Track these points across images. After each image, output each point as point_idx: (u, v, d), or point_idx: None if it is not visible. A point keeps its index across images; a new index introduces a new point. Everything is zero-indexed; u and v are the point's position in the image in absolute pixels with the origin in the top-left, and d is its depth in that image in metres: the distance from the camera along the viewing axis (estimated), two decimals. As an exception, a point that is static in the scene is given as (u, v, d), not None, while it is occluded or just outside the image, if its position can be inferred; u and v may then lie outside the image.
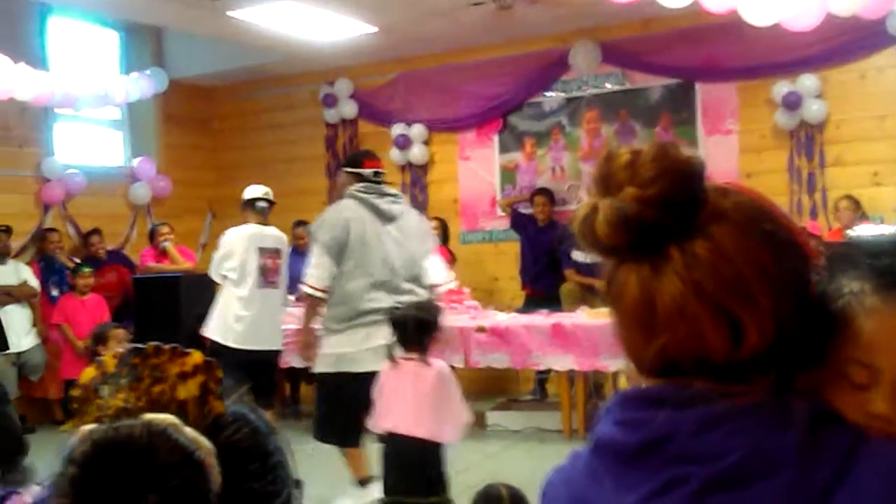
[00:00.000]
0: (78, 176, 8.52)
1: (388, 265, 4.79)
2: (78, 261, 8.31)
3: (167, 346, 0.77)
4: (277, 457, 0.81)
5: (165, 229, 8.29)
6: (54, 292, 8.18)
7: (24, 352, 7.81)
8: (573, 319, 6.55)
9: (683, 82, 8.18)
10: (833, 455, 0.88)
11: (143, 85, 8.70)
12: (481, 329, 6.65)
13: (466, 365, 6.81)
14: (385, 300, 4.71)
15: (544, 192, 8.19)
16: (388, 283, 4.78)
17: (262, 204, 6.17)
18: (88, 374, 0.79)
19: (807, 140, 7.79)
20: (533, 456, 6.24)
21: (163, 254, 8.19)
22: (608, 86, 8.48)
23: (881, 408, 0.93)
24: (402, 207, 4.97)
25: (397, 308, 4.45)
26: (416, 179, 9.35)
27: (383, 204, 4.85)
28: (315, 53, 8.65)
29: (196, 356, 0.78)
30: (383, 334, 4.35)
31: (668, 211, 0.92)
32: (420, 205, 9.28)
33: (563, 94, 8.68)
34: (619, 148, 0.97)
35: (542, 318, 6.71)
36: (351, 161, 5.12)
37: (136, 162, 9.21)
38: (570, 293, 7.59)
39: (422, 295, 4.84)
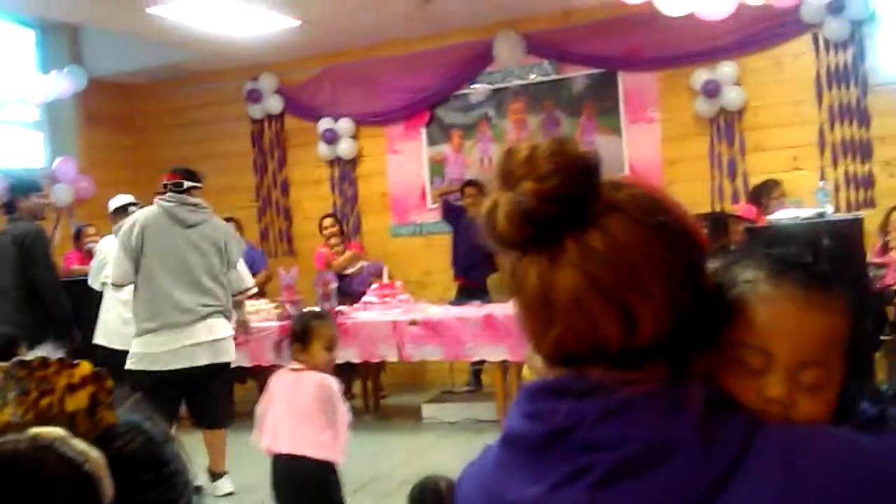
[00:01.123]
0: (-3, 178, 8.29)
1: (186, 266, 5.28)
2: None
3: (54, 358, 0.77)
4: (174, 465, 0.80)
5: (91, 230, 8.10)
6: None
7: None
8: (505, 310, 6.59)
9: (606, 72, 8.29)
10: (730, 440, 0.91)
11: (61, 84, 8.49)
12: (413, 323, 6.67)
13: (400, 359, 6.84)
14: (187, 300, 5.23)
15: (474, 183, 8.22)
16: (190, 284, 5.27)
17: (133, 209, 6.30)
18: None
19: (726, 126, 7.96)
20: (469, 447, 6.21)
21: (88, 256, 8.00)
22: (533, 76, 8.55)
23: (776, 391, 0.98)
24: (202, 216, 5.45)
25: (204, 306, 5.16)
26: (345, 174, 9.31)
27: (182, 212, 5.35)
28: (238, 49, 8.54)
29: (84, 367, 0.77)
30: (188, 335, 5.15)
31: (563, 204, 0.94)
32: (350, 199, 9.27)
33: (488, 86, 8.72)
34: (520, 144, 0.99)
35: (473, 310, 6.76)
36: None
37: (56, 163, 8.98)
38: (496, 283, 7.64)
39: (221, 296, 5.40)
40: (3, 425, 0.73)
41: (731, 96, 7.80)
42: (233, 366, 5.93)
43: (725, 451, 0.90)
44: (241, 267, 5.77)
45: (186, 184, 5.48)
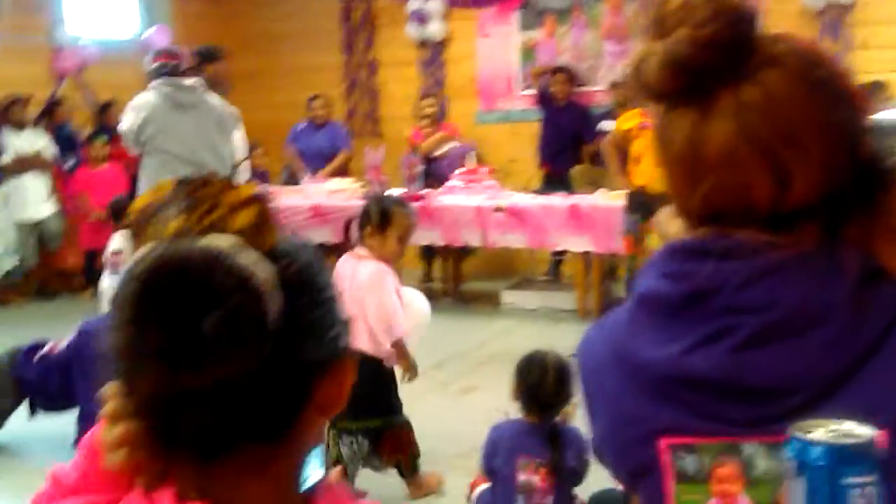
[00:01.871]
0: (92, 45, 8.40)
1: (185, 145, 5.38)
2: (89, 132, 8.28)
3: (219, 180, 0.78)
4: (331, 291, 0.82)
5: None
6: (70, 162, 8.18)
7: (42, 220, 7.88)
8: (590, 201, 6.54)
9: (711, -41, 7.93)
10: (884, 308, 0.89)
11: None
12: (499, 209, 6.65)
13: (484, 245, 6.86)
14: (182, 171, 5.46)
15: (564, 70, 8.06)
16: (186, 159, 5.32)
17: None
18: (144, 199, 0.80)
19: (834, 21, 7.60)
20: (547, 334, 6.31)
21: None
22: (633, -38, 8.24)
23: None
24: (197, 97, 5.50)
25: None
26: (434, 57, 9.19)
27: (180, 96, 5.43)
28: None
29: (248, 188, 0.78)
30: None
31: (720, 53, 0.91)
32: (437, 83, 9.17)
33: (585, -30, 8.44)
34: None
35: (559, 200, 6.71)
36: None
37: (148, 33, 9.04)
38: (581, 174, 7.56)
39: (221, 169, 5.36)
40: (176, 232, 0.74)
41: (843, -11, 7.43)
42: (317, 243, 5.96)
43: (876, 322, 0.88)
44: (236, 138, 5.89)
45: (183, 65, 5.65)
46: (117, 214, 5.68)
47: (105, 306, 5.43)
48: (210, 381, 0.71)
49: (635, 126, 5.56)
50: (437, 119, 8.12)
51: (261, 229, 0.76)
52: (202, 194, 0.76)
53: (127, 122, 5.42)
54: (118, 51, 8.73)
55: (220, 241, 0.72)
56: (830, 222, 0.92)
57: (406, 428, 3.60)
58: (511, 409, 2.91)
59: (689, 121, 0.93)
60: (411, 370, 3.60)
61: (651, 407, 0.94)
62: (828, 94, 0.92)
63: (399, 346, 3.54)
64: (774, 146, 0.90)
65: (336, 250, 8.06)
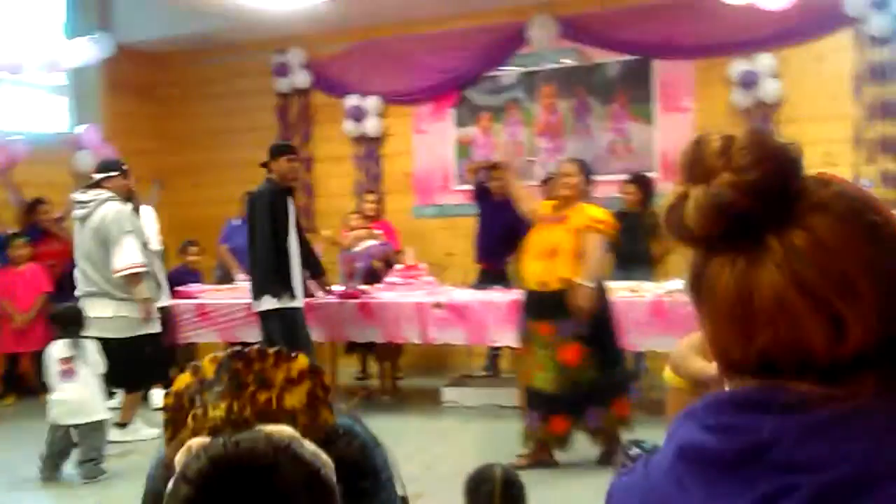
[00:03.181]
0: (20, 142, 8.23)
1: (81, 256, 6.11)
2: (12, 231, 8.04)
3: (271, 350, 0.69)
4: (388, 472, 0.73)
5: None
6: (-6, 264, 7.92)
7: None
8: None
9: (641, 59, 8.16)
10: None
11: (89, 50, 8.41)
12: (439, 305, 6.59)
13: (424, 341, 6.76)
14: (80, 284, 6.15)
15: (499, 166, 8.12)
16: (79, 273, 6.15)
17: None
18: (183, 379, 0.69)
19: (762, 119, 7.83)
20: (491, 433, 6.21)
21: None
22: (565, 61, 8.43)
23: None
24: (86, 211, 6.04)
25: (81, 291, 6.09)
26: (370, 152, 9.22)
27: (76, 209, 6.13)
28: (267, 20, 8.45)
29: (302, 360, 0.69)
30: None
31: (765, 199, 0.88)
32: (374, 178, 9.18)
33: (519, 69, 8.61)
34: (710, 134, 0.93)
35: (499, 295, 6.67)
36: None
37: (80, 129, 8.91)
38: (518, 270, 7.55)
39: (98, 279, 6.03)
40: (221, 421, 0.64)
41: (768, 88, 7.68)
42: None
43: None
44: (124, 246, 5.98)
45: (96, 176, 6.19)
46: (62, 321, 5.49)
47: (54, 416, 5.24)
48: None
49: (540, 216, 5.29)
50: (376, 216, 8.13)
51: (315, 408, 0.67)
52: (251, 371, 0.67)
53: None
54: (47, 147, 8.57)
55: (281, 430, 0.63)
56: (890, 371, 0.87)
57: None
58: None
59: (736, 268, 0.89)
60: None
61: None
62: (879, 239, 0.89)
63: None
64: (828, 294, 0.86)
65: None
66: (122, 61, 9.12)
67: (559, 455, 5.27)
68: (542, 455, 5.21)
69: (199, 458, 0.61)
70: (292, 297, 6.21)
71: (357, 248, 7.73)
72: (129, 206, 6.18)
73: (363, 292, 6.95)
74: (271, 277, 6.17)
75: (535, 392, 5.18)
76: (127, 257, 5.94)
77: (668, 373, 1.32)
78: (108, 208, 5.97)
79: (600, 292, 5.20)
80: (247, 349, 0.69)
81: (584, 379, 5.06)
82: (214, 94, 9.71)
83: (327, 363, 7.21)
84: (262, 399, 0.66)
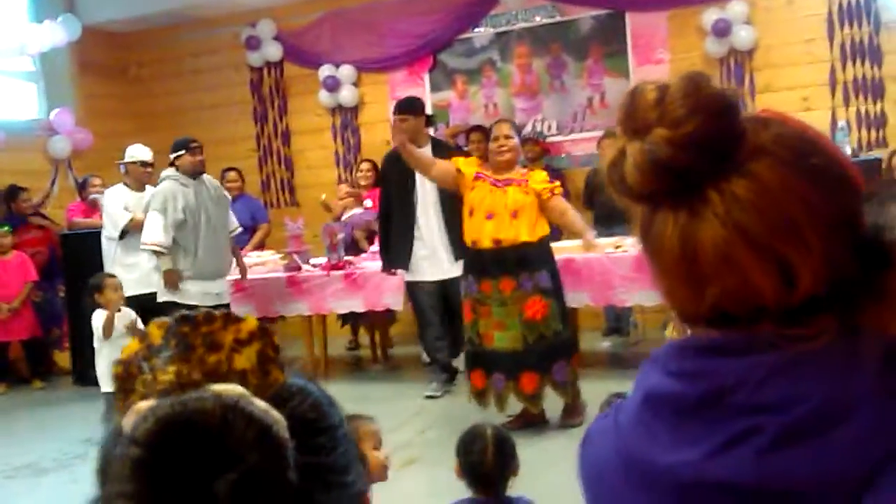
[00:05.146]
0: (-7, 131, 8.15)
1: None
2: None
3: (218, 313, 0.69)
4: (342, 430, 0.73)
5: (97, 181, 7.94)
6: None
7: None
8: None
9: (613, 13, 8.12)
10: None
11: (55, 33, 8.31)
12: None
13: (406, 308, 6.78)
14: None
15: (479, 129, 8.09)
16: None
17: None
18: (131, 347, 0.69)
19: (736, 67, 7.82)
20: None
21: (93, 207, 7.88)
22: (538, 19, 8.38)
23: None
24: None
25: None
26: (347, 122, 9.17)
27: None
28: (236, -6, 8.35)
29: (251, 322, 0.69)
30: None
31: (703, 151, 0.84)
32: (352, 147, 9.14)
33: (492, 30, 8.55)
34: (645, 83, 0.89)
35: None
36: None
37: (53, 114, 8.83)
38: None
39: None
40: (169, 384, 0.64)
41: (742, 35, 7.66)
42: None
43: None
44: (148, 222, 6.19)
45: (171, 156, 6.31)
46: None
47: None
48: None
49: (471, 175, 5.24)
50: (373, 185, 8.14)
51: (265, 368, 0.67)
52: (199, 334, 0.67)
53: None
54: (20, 134, 8.49)
55: (230, 390, 0.63)
56: (845, 310, 0.86)
57: None
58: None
59: (678, 223, 0.87)
60: None
61: None
62: (823, 181, 0.86)
63: None
64: (773, 242, 0.84)
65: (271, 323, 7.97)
66: (91, 43, 9.02)
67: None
68: (530, 416, 5.22)
69: (146, 419, 0.61)
70: None
71: (346, 216, 7.72)
72: (172, 184, 6.21)
73: (349, 262, 6.94)
74: None
75: (496, 354, 5.09)
76: (147, 234, 6.14)
77: (670, 328, 1.32)
78: (159, 185, 6.28)
79: (550, 247, 5.24)
80: (194, 313, 0.69)
81: (549, 331, 5.04)
82: (187, 71, 9.62)
83: (317, 336, 7.23)
84: (212, 361, 0.66)
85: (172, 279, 6.10)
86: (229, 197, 6.83)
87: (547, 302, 5.04)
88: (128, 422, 0.63)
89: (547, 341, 5.05)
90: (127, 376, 0.68)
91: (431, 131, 8.68)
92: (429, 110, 8.70)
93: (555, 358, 5.08)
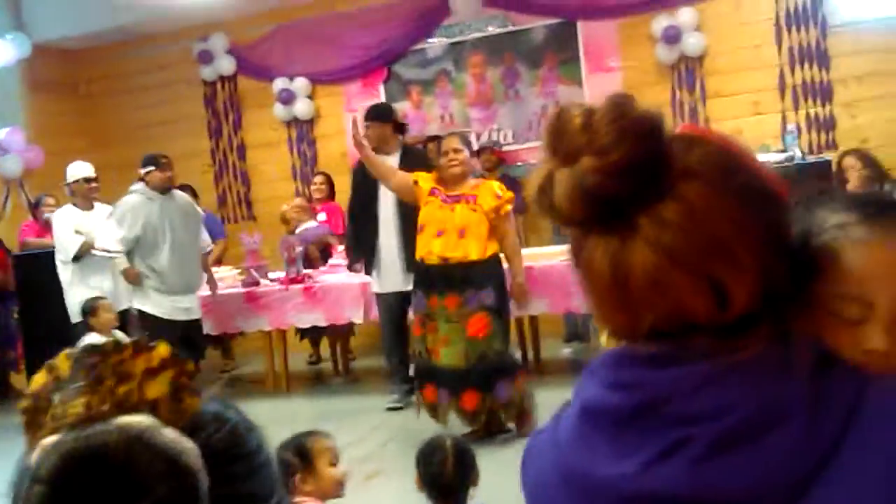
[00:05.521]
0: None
1: None
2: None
3: (128, 342, 0.68)
4: (262, 455, 0.72)
5: (51, 200, 7.83)
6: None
7: None
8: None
9: (565, 22, 8.18)
10: (841, 401, 0.85)
11: (5, 51, 8.19)
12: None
13: (366, 321, 6.80)
14: None
15: (436, 139, 8.10)
16: None
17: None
18: (38, 380, 0.68)
19: (687, 73, 7.91)
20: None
21: (46, 227, 7.76)
22: (491, 29, 8.42)
23: (877, 343, 0.90)
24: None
25: None
26: (303, 135, 9.14)
27: None
28: (186, 8, 8.30)
29: (162, 349, 0.68)
30: None
31: (631, 178, 0.85)
32: (309, 160, 9.11)
33: (446, 40, 8.58)
34: (570, 106, 0.89)
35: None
36: None
37: (3, 133, 8.69)
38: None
39: None
40: (78, 417, 0.63)
41: (692, 42, 7.75)
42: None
43: (837, 412, 0.84)
44: (103, 228, 6.39)
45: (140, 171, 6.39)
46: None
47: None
48: None
49: (427, 190, 5.23)
50: (327, 198, 8.12)
51: (178, 397, 0.67)
52: (108, 364, 0.66)
53: None
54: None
55: (136, 421, 0.62)
56: (777, 318, 0.87)
57: None
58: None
59: (609, 249, 0.86)
60: None
61: None
62: (751, 199, 0.87)
63: None
64: (705, 265, 0.84)
65: (220, 342, 7.90)
66: (41, 61, 8.91)
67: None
68: (491, 425, 5.20)
69: (49, 455, 0.60)
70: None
71: (297, 231, 7.69)
72: (137, 198, 6.28)
73: (308, 276, 6.91)
74: None
75: (441, 370, 5.06)
76: (101, 240, 6.30)
77: (604, 337, 1.33)
78: (125, 197, 6.37)
79: (500, 264, 5.22)
80: (102, 343, 0.68)
81: (491, 350, 5.00)
82: (139, 87, 9.52)
83: (278, 350, 7.18)
84: (122, 391, 0.65)
85: (131, 275, 6.19)
86: (201, 213, 6.81)
87: (489, 319, 5.00)
88: (34, 458, 0.62)
89: (488, 361, 5.00)
90: (35, 410, 0.67)
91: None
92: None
93: (497, 377, 5.03)
